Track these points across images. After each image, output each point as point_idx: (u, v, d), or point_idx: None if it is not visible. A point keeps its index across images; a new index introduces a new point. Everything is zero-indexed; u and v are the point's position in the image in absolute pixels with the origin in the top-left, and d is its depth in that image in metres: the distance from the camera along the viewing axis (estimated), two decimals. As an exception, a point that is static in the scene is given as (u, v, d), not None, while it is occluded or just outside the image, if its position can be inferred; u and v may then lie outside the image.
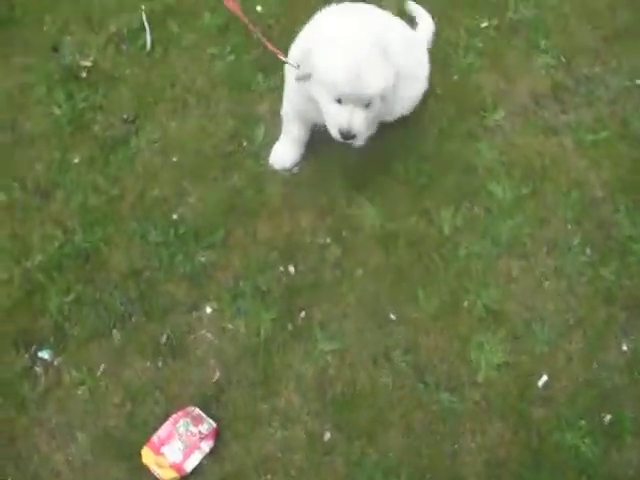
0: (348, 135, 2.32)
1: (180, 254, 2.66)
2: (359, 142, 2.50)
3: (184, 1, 3.19)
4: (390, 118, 2.69)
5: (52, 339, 2.59)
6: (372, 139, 2.76)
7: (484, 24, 3.17)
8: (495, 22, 3.17)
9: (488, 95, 3.00)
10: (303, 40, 2.47)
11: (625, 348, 2.56)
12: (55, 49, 3.08)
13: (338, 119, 2.30)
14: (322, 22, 2.47)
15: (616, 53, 3.11)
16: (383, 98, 2.35)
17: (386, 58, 2.30)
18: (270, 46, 2.51)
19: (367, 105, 2.31)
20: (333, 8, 2.55)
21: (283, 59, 2.48)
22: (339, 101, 2.29)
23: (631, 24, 3.16)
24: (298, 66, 2.37)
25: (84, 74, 3.01)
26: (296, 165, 2.83)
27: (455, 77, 3.02)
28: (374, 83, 2.27)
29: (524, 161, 2.87)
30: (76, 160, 2.83)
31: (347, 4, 2.59)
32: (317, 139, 2.79)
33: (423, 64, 2.78)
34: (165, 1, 3.20)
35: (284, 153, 2.81)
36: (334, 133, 2.36)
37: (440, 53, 3.01)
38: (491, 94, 3.00)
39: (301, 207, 2.73)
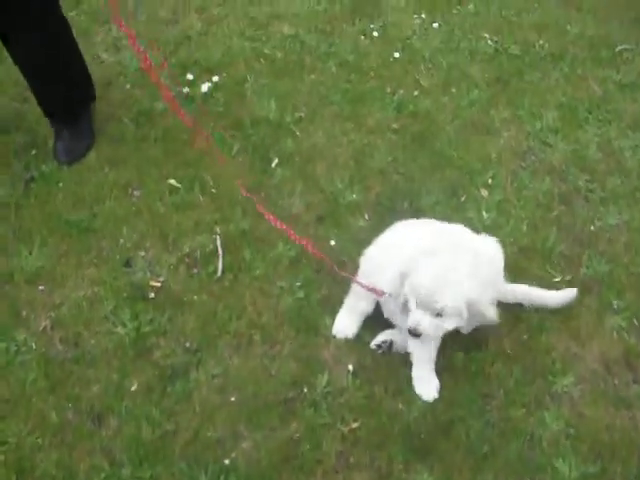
0: (413, 333, 2.49)
1: (228, 506, 2.55)
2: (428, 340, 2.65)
3: (259, 227, 3.22)
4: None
5: None
6: (439, 400, 2.72)
7: (557, 279, 3.14)
8: (568, 277, 3.16)
9: (557, 358, 2.93)
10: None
11: None
12: (128, 264, 3.10)
13: (410, 317, 2.49)
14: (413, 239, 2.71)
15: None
16: (456, 315, 2.49)
17: (463, 281, 2.45)
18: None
19: (438, 314, 2.46)
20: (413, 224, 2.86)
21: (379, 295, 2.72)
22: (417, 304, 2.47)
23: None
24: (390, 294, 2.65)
25: (152, 294, 3.01)
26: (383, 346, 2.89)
27: (525, 336, 2.97)
28: (443, 299, 2.42)
29: (592, 435, 2.75)
30: (133, 387, 2.78)
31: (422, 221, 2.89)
32: (385, 397, 2.76)
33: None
34: (240, 226, 3.23)
35: (348, 324, 2.91)
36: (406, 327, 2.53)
37: (512, 310, 2.96)
38: (560, 357, 2.94)
39: (357, 468, 2.63)
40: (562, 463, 2.68)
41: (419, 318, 2.47)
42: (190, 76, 3.86)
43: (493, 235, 2.98)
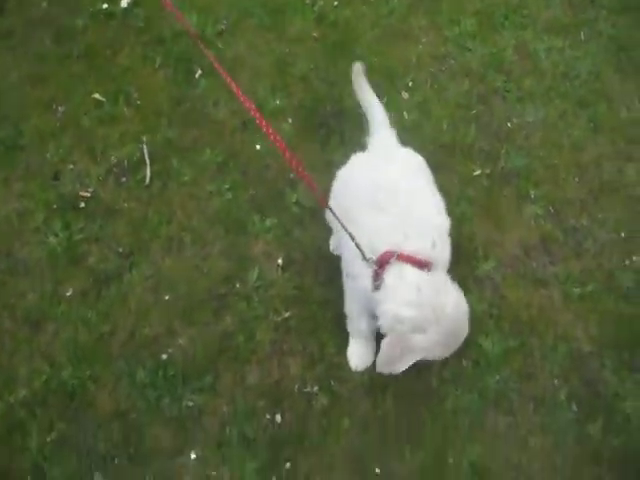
0: None
1: (167, 397, 2.64)
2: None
3: (185, 136, 3.26)
4: None
5: (30, 480, 2.53)
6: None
7: (477, 172, 3.25)
8: (487, 171, 3.27)
9: (480, 245, 3.06)
10: None
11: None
12: (56, 177, 3.12)
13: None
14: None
15: (602, 206, 3.21)
16: None
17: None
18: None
19: None
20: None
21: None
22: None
23: (615, 179, 3.28)
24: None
25: (82, 204, 3.04)
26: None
27: (448, 226, 3.07)
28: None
29: (513, 313, 2.91)
30: (68, 293, 2.83)
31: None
32: (315, 287, 2.84)
33: None
34: (166, 135, 3.26)
35: (362, 354, 2.75)
36: None
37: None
38: (482, 244, 3.06)
39: (291, 354, 2.74)
40: (485, 340, 2.82)
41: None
42: (109, -7, 3.82)
43: (415, 133, 3.07)
